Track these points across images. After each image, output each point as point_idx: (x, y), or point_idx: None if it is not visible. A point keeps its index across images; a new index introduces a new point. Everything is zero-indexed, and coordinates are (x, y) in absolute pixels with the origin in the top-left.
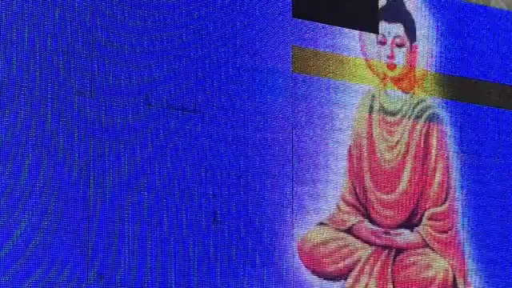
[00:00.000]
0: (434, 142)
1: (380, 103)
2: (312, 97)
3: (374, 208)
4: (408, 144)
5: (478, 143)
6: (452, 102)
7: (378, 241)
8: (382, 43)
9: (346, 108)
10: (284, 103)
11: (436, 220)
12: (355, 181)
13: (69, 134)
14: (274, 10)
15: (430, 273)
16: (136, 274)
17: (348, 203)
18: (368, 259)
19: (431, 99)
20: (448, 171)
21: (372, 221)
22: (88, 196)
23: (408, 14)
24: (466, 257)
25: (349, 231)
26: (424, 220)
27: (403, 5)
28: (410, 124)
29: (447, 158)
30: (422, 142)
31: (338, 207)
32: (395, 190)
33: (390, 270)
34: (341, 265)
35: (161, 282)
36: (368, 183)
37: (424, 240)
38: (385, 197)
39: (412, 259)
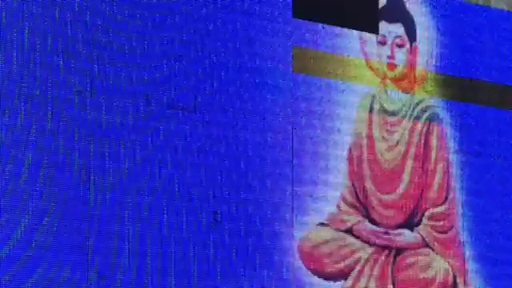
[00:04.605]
0: (434, 142)
1: (380, 103)
2: (312, 97)
3: (374, 208)
4: (408, 144)
5: (478, 143)
6: (452, 101)
7: (378, 241)
8: (382, 43)
9: (346, 108)
10: (284, 103)
11: (436, 220)
12: (355, 181)
13: (69, 133)
14: (273, 10)
15: (430, 273)
16: (136, 274)
17: (348, 203)
18: (368, 259)
19: (431, 99)
20: (448, 171)
21: (372, 221)
22: (88, 196)
23: (408, 13)
24: (465, 257)
25: (349, 231)
26: (424, 220)
27: (403, 5)
28: (410, 124)
29: (447, 158)
30: (422, 142)
31: (338, 207)
32: (395, 190)
33: (390, 270)
34: (341, 265)
35: (161, 283)
36: (368, 183)
37: (424, 240)
38: (385, 197)
39: (412, 259)
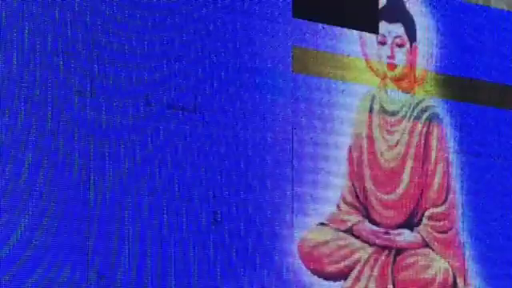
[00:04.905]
0: (434, 142)
1: (380, 103)
2: (312, 97)
3: (374, 208)
4: (408, 144)
5: (478, 143)
6: (452, 101)
7: (377, 241)
8: (382, 43)
9: (346, 108)
10: (284, 103)
11: (436, 220)
12: (355, 181)
13: (69, 134)
14: (273, 10)
15: (430, 273)
16: (136, 274)
17: (348, 203)
18: (368, 259)
19: (431, 99)
20: (448, 171)
21: (372, 221)
22: (88, 196)
23: (408, 13)
24: (465, 257)
25: (349, 231)
26: (424, 220)
27: (403, 5)
28: (410, 124)
29: (447, 158)
30: (422, 142)
31: (338, 207)
32: (395, 190)
33: (390, 270)
34: (341, 265)
35: (161, 283)
36: (368, 183)
37: (424, 240)
38: (385, 197)
39: (412, 259)
